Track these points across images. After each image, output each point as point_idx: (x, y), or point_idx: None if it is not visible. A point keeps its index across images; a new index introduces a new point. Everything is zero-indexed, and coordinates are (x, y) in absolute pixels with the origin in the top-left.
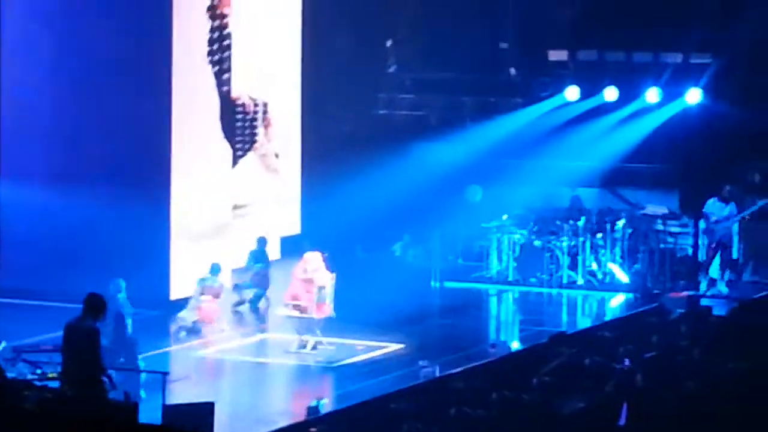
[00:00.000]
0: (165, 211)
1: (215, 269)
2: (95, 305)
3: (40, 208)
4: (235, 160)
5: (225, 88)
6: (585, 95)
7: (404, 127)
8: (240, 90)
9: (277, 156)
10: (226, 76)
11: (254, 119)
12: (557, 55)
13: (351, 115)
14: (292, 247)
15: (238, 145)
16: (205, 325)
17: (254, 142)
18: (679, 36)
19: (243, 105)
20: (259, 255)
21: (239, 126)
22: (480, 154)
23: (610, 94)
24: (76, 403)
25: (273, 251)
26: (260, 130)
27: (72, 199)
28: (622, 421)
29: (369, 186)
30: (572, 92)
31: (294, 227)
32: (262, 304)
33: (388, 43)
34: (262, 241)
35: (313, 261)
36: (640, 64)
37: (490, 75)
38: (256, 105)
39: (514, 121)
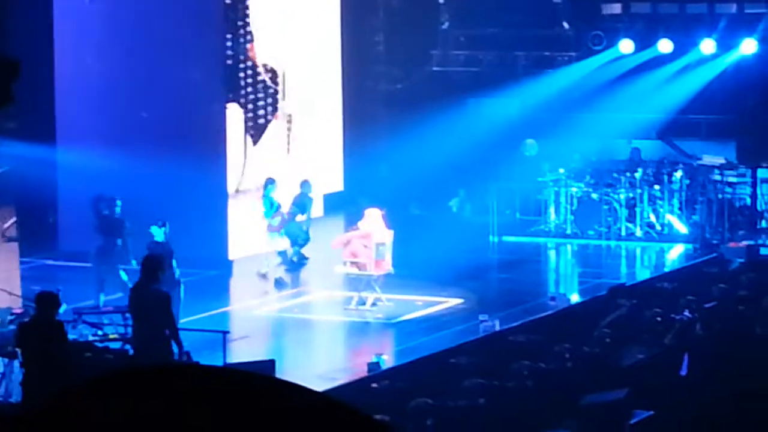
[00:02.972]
0: (222, 171)
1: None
2: (154, 267)
3: (98, 171)
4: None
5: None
6: (639, 48)
7: (459, 83)
8: (256, 54)
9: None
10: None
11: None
12: (610, 8)
13: (405, 72)
14: (336, 204)
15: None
16: None
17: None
18: None
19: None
20: (300, 200)
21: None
22: (535, 109)
23: (665, 46)
24: (138, 363)
25: (316, 208)
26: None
27: (129, 162)
28: (684, 371)
29: (424, 143)
30: (626, 45)
31: (337, 184)
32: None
33: (441, 0)
34: (305, 186)
35: (372, 217)
36: (693, 16)
37: (544, 29)
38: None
39: (569, 74)
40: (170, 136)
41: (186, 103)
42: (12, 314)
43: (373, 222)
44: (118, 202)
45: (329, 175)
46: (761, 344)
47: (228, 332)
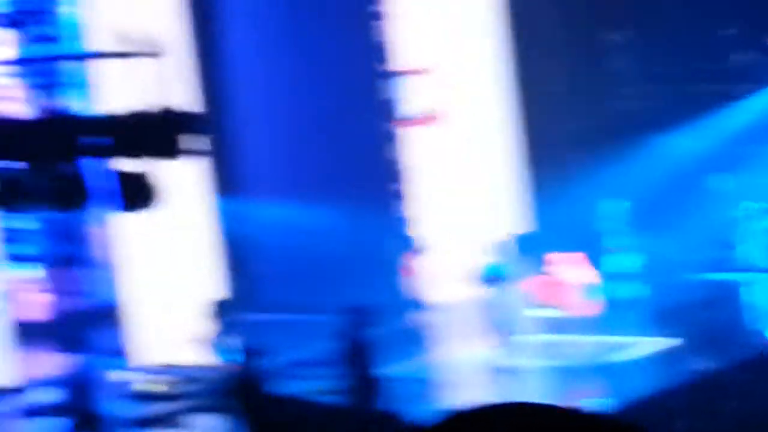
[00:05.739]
0: (398, 221)
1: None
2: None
3: (287, 222)
4: None
5: None
6: None
7: (637, 120)
8: None
9: None
10: None
11: None
12: None
13: (580, 110)
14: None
15: None
16: None
17: None
18: None
19: None
20: None
21: None
22: (723, 142)
23: None
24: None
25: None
26: None
27: (315, 211)
28: None
29: (604, 182)
30: None
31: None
32: None
33: (613, 36)
34: None
35: (573, 260)
36: None
37: (718, 62)
38: None
39: (752, 106)
40: (353, 183)
41: (366, 149)
42: None
43: (575, 264)
44: None
45: (506, 216)
46: None
47: (433, 380)
